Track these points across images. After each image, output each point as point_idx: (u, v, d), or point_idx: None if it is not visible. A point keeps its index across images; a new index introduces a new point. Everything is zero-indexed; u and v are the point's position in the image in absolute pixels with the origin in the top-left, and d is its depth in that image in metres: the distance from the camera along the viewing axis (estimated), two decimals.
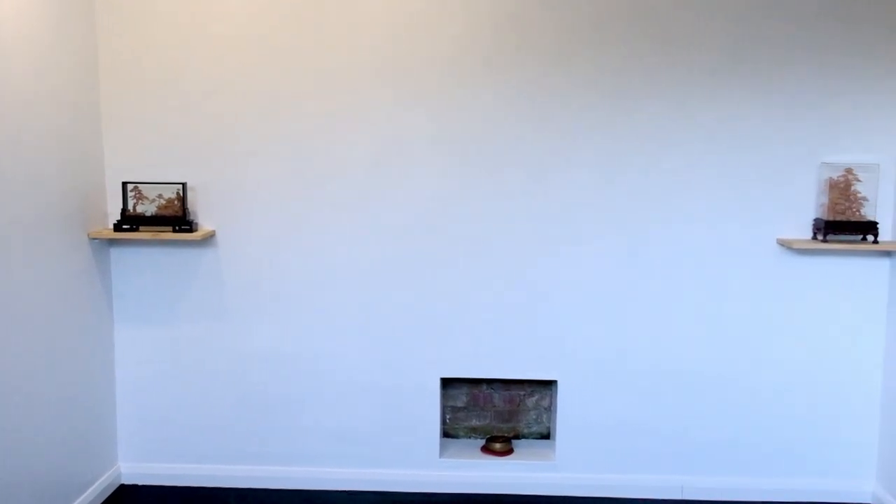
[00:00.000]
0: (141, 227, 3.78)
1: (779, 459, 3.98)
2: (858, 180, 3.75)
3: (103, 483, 3.89)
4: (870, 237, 3.72)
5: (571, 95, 3.78)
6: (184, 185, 3.79)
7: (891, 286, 3.82)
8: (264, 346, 3.97)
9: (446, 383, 4.15)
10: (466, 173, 3.84)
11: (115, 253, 3.92)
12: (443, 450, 4.09)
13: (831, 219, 3.74)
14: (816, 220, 3.79)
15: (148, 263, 3.92)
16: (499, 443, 4.10)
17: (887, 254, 3.82)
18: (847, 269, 3.85)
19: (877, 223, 3.72)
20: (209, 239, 3.89)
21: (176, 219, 3.78)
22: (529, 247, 3.87)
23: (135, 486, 4.05)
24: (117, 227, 3.76)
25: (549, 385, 4.17)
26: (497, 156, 3.82)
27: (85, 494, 3.73)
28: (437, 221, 3.86)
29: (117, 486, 4.04)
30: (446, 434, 4.27)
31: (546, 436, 4.27)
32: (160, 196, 3.81)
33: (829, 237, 3.73)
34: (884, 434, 3.89)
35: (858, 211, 3.76)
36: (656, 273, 3.88)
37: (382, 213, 3.87)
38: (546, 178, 3.83)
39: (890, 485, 3.83)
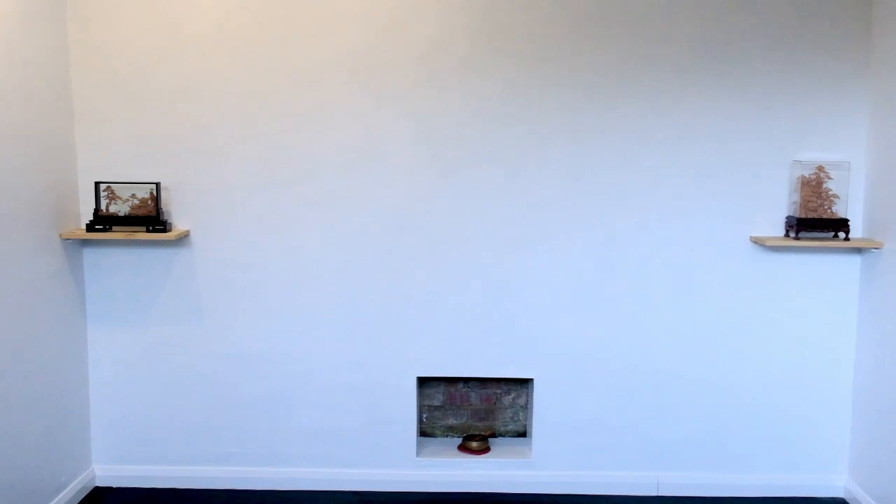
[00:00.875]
0: (114, 228, 3.75)
1: (752, 455, 4.02)
2: (830, 178, 3.80)
3: (77, 486, 3.86)
4: (841, 234, 3.76)
5: (545, 94, 3.79)
6: (157, 184, 3.76)
7: (862, 283, 3.87)
8: (240, 346, 3.95)
9: (423, 382, 4.15)
10: (441, 172, 3.84)
11: (88, 253, 3.89)
12: (420, 449, 4.09)
13: (803, 216, 3.78)
14: (789, 218, 3.83)
15: (121, 264, 3.89)
16: (476, 441, 4.11)
17: (858, 251, 3.87)
18: (819, 266, 3.89)
19: (848, 220, 3.76)
20: (183, 239, 3.87)
21: (150, 219, 3.75)
22: (505, 245, 3.88)
23: (109, 489, 4.02)
24: (90, 228, 3.73)
25: (526, 383, 4.19)
26: (471, 155, 3.83)
27: (58, 498, 3.70)
28: (412, 220, 3.86)
29: (91, 488, 4.00)
30: (423, 433, 4.27)
31: (522, 434, 4.28)
32: (134, 196, 3.78)
33: (801, 235, 3.77)
34: (855, 428, 3.94)
35: (830, 208, 3.80)
36: (631, 271, 3.90)
37: (357, 212, 3.86)
38: (520, 176, 3.84)
39: (861, 478, 3.87)
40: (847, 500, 3.98)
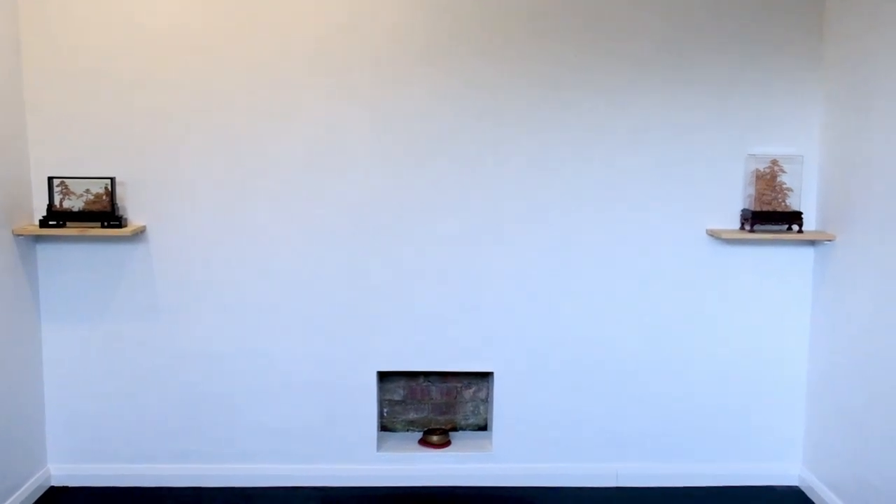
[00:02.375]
0: (68, 223, 3.69)
1: (709, 445, 4.07)
2: (784, 171, 3.85)
3: (32, 485, 3.80)
4: (795, 227, 3.82)
5: (505, 87, 3.80)
6: (112, 179, 3.71)
7: (815, 275, 3.93)
8: (198, 343, 3.92)
9: (383, 377, 4.14)
10: (401, 166, 3.83)
11: (42, 250, 3.82)
12: (380, 443, 4.09)
13: (758, 209, 3.83)
14: (744, 211, 3.88)
15: (76, 260, 3.83)
16: (436, 435, 4.11)
17: (811, 243, 3.93)
18: (773, 258, 3.95)
19: (801, 213, 3.82)
20: (140, 235, 3.82)
21: (104, 214, 3.70)
22: (464, 239, 3.89)
23: (65, 488, 3.96)
24: (43, 223, 3.67)
25: (486, 377, 4.20)
26: (432, 149, 3.83)
27: (12, 498, 3.64)
28: (372, 215, 3.86)
29: (47, 488, 3.94)
30: (384, 428, 4.26)
31: (483, 427, 4.30)
32: (88, 191, 3.72)
33: (756, 227, 3.82)
34: (809, 418, 4.01)
35: (784, 201, 3.86)
36: (589, 264, 3.93)
37: (317, 208, 3.84)
38: (480, 170, 3.84)
39: (815, 467, 3.94)
40: (801, 487, 4.05)
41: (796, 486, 4.07)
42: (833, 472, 3.77)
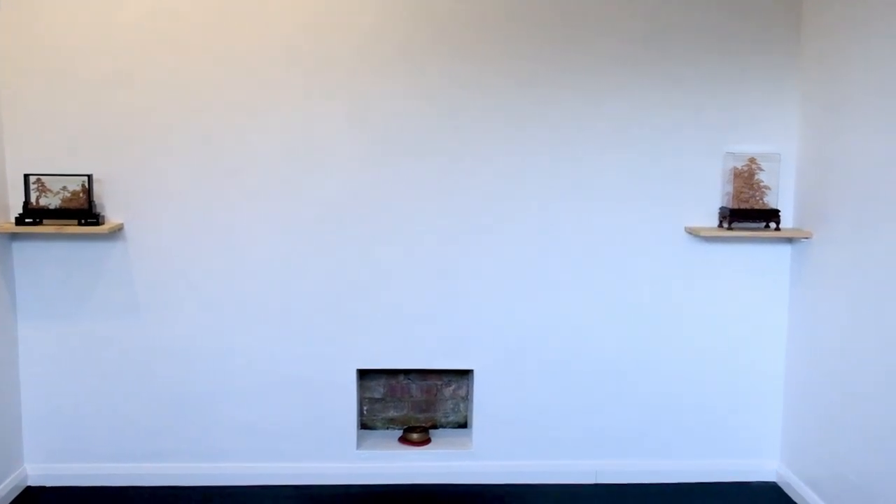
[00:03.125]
0: (45, 221, 3.66)
1: (688, 442, 4.09)
2: (761, 169, 3.87)
3: (8, 486, 3.77)
4: (772, 224, 3.84)
5: (485, 84, 3.80)
6: (89, 176, 3.69)
7: (792, 272, 3.96)
8: (177, 341, 3.90)
9: (363, 375, 4.14)
10: (380, 163, 3.83)
11: (18, 248, 3.79)
12: (360, 442, 4.08)
13: (736, 207, 3.85)
14: (722, 209, 3.90)
15: (52, 258, 3.80)
16: (416, 433, 4.11)
17: (789, 240, 3.96)
18: (751, 255, 3.97)
19: (779, 211, 3.84)
20: (117, 232, 3.80)
21: (81, 212, 3.67)
22: (444, 236, 3.89)
23: (42, 488, 3.93)
24: (19, 221, 3.64)
25: (466, 374, 4.20)
26: (410, 145, 3.82)
27: None
28: (351, 212, 3.85)
29: (23, 488, 3.91)
30: (364, 426, 4.26)
31: (463, 425, 4.30)
32: (65, 188, 3.70)
33: (734, 225, 3.84)
34: (786, 415, 4.03)
35: (761, 199, 3.88)
36: (568, 262, 3.94)
37: (296, 204, 3.83)
38: (459, 166, 3.85)
39: (793, 463, 3.97)
40: (779, 483, 4.08)
41: (773, 482, 4.10)
42: (810, 468, 3.79)
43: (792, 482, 3.93)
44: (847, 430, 3.45)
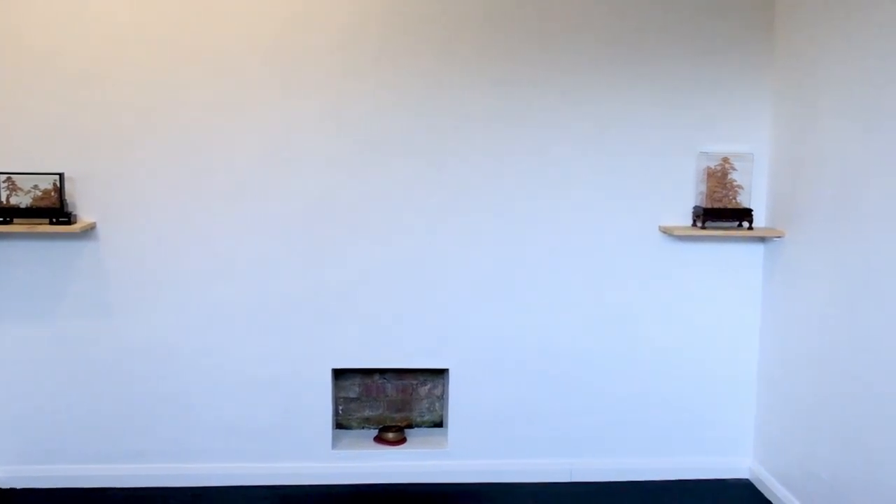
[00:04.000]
0: (15, 220, 3.63)
1: (662, 440, 4.11)
2: (734, 169, 3.90)
3: None
4: (745, 224, 3.87)
5: (462, 85, 3.80)
6: (61, 175, 3.65)
7: (765, 270, 3.99)
8: (150, 340, 3.87)
9: (338, 374, 4.13)
10: (357, 163, 3.82)
11: None
12: (335, 441, 4.07)
13: (709, 206, 3.88)
14: (696, 208, 3.92)
15: (23, 257, 3.76)
16: (392, 432, 4.11)
17: (761, 239, 3.99)
18: (725, 254, 4.00)
19: (751, 210, 3.87)
20: (89, 231, 3.77)
21: (53, 210, 3.64)
22: (419, 236, 3.89)
23: (12, 490, 3.89)
24: None
25: (441, 374, 4.20)
26: (387, 145, 3.82)
27: None
28: (327, 212, 3.84)
29: None
30: (339, 425, 4.25)
31: (439, 424, 4.30)
32: (36, 187, 3.66)
33: (707, 224, 3.86)
34: (759, 413, 4.07)
35: (735, 198, 3.91)
36: (544, 261, 3.95)
37: (271, 204, 3.82)
38: (436, 167, 3.85)
39: (765, 460, 4.00)
40: (752, 480, 4.11)
41: (747, 479, 4.13)
42: (783, 465, 3.82)
43: (765, 479, 3.96)
44: (819, 427, 3.49)
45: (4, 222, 3.61)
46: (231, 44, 3.71)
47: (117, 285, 3.82)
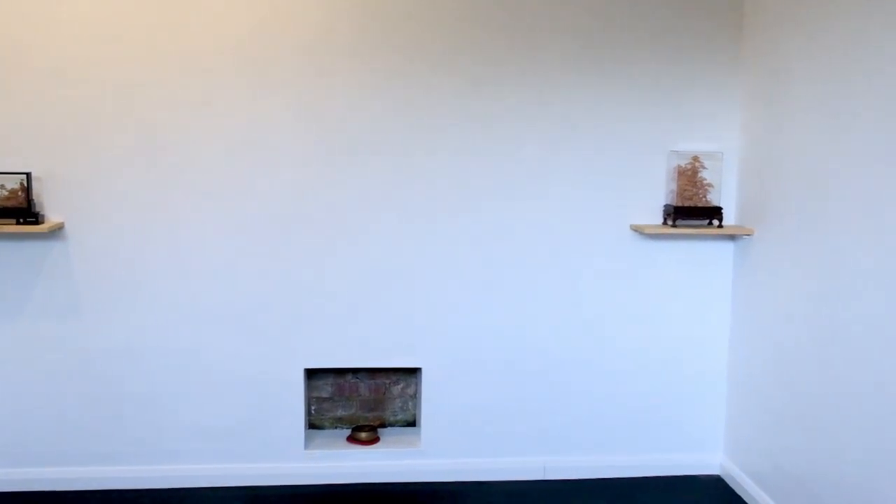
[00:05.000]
0: None
1: (635, 436, 4.14)
2: (704, 167, 3.93)
3: None
4: (715, 222, 3.90)
5: (434, 83, 3.80)
6: (28, 175, 3.61)
7: (735, 268, 4.03)
8: (119, 342, 3.83)
9: (311, 374, 4.11)
10: (329, 162, 3.81)
11: None
12: (308, 441, 4.05)
13: (680, 205, 3.91)
14: (666, 206, 3.95)
15: None
16: (364, 432, 4.10)
17: (731, 237, 4.02)
18: (695, 252, 4.03)
19: (721, 208, 3.90)
20: (57, 231, 3.72)
21: (20, 210, 3.60)
22: (393, 235, 3.88)
23: None
24: None
25: (414, 373, 4.20)
26: (359, 144, 3.81)
27: None
28: (299, 210, 3.82)
29: None
30: (312, 425, 4.23)
31: (412, 423, 4.30)
32: (2, 187, 3.62)
33: (678, 222, 3.89)
34: (730, 409, 4.10)
35: (705, 197, 3.94)
36: (516, 259, 3.96)
37: (243, 203, 3.79)
38: (409, 165, 3.84)
39: (736, 456, 4.04)
40: (722, 476, 4.14)
41: (717, 475, 4.17)
42: (752, 462, 3.86)
43: (735, 475, 4.00)
44: (787, 423, 3.52)
45: None
46: (200, 43, 3.68)
47: (86, 286, 3.78)
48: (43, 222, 3.66)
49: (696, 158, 3.92)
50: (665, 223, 3.94)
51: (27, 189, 3.61)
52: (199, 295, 3.84)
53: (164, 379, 3.88)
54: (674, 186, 3.92)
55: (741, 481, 3.93)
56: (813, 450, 3.31)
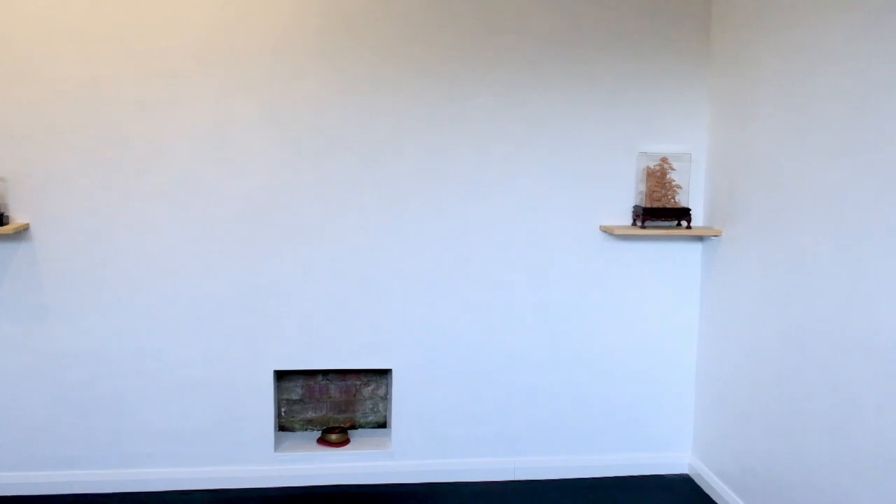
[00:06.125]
0: None
1: (604, 437, 4.16)
2: (673, 169, 3.96)
3: None
4: (684, 223, 3.93)
5: (402, 84, 3.80)
6: None
7: (703, 268, 4.06)
8: (86, 344, 3.78)
9: (280, 376, 4.09)
10: (296, 162, 3.79)
11: None
12: (278, 444, 4.03)
13: (649, 206, 3.93)
14: (635, 207, 3.97)
15: None
16: (335, 434, 4.08)
17: (699, 238, 4.06)
18: (664, 253, 4.06)
19: (690, 210, 3.93)
20: (22, 233, 3.67)
21: None
22: (361, 236, 3.87)
23: None
24: None
25: (385, 374, 4.19)
26: (327, 144, 3.79)
27: None
28: (267, 211, 3.80)
29: None
30: (282, 427, 4.21)
31: (382, 425, 4.29)
32: None
33: (647, 223, 3.91)
34: (698, 409, 4.13)
35: (673, 198, 3.96)
36: (485, 260, 3.96)
37: (209, 203, 3.76)
38: (377, 166, 3.83)
39: (704, 456, 4.07)
40: (691, 475, 4.18)
41: (686, 474, 4.20)
42: (720, 460, 3.89)
43: (703, 474, 4.03)
44: (754, 422, 3.56)
45: None
46: (165, 40, 3.65)
47: (51, 287, 3.73)
48: (8, 223, 3.61)
49: (664, 160, 3.94)
50: (634, 224, 3.97)
51: None
52: (166, 296, 3.80)
53: (131, 382, 3.84)
54: (643, 188, 3.95)
55: (709, 480, 3.96)
56: (779, 448, 3.35)
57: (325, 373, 4.18)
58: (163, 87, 3.67)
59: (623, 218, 4.01)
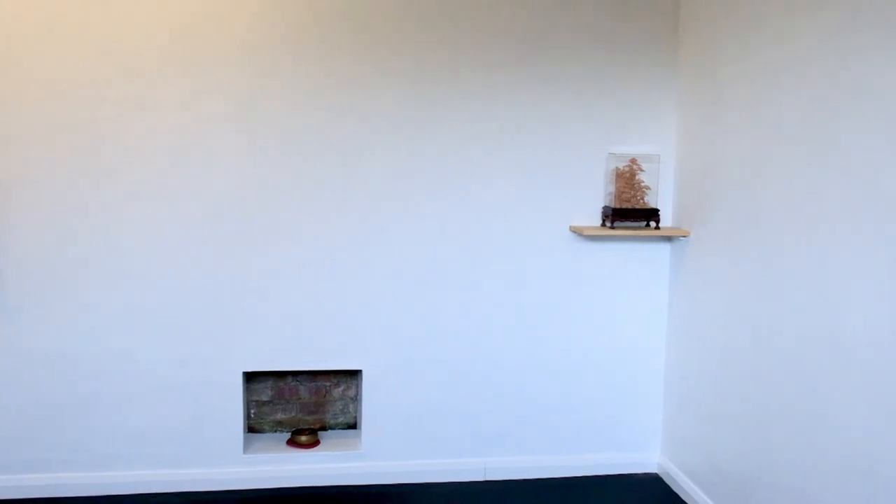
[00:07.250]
0: None
1: (573, 437, 4.18)
2: (642, 170, 3.98)
3: None
4: (652, 223, 3.95)
5: (373, 84, 3.79)
6: None
7: (671, 269, 4.08)
8: (54, 345, 3.74)
9: (250, 377, 4.07)
10: (266, 162, 3.77)
11: None
12: (247, 445, 4.01)
13: (618, 206, 3.95)
14: (605, 208, 3.99)
15: None
16: (304, 435, 4.06)
17: (668, 239, 4.08)
18: (633, 253, 4.08)
19: (658, 210, 3.95)
20: None
21: None
22: (332, 236, 3.86)
23: None
24: None
25: (355, 375, 4.18)
26: (300, 145, 3.78)
27: None
28: (237, 211, 3.78)
29: None
30: (251, 429, 4.19)
31: (353, 426, 4.28)
32: None
33: (616, 224, 3.93)
34: (667, 408, 4.16)
35: (642, 199, 3.98)
36: (457, 261, 3.96)
37: (179, 204, 3.74)
38: (350, 167, 3.82)
39: (673, 455, 4.10)
40: (660, 474, 4.20)
41: (655, 474, 4.23)
42: (689, 459, 3.92)
43: (672, 473, 4.05)
44: (723, 422, 3.58)
45: None
46: (135, 39, 3.62)
47: (17, 288, 3.69)
48: None
49: (633, 161, 3.96)
50: (604, 224, 3.98)
51: None
52: (134, 297, 3.77)
53: (98, 383, 3.81)
54: (612, 188, 3.96)
55: (678, 479, 3.99)
56: (747, 448, 3.37)
57: (296, 374, 4.16)
58: (131, 87, 3.64)
59: (593, 219, 4.03)
